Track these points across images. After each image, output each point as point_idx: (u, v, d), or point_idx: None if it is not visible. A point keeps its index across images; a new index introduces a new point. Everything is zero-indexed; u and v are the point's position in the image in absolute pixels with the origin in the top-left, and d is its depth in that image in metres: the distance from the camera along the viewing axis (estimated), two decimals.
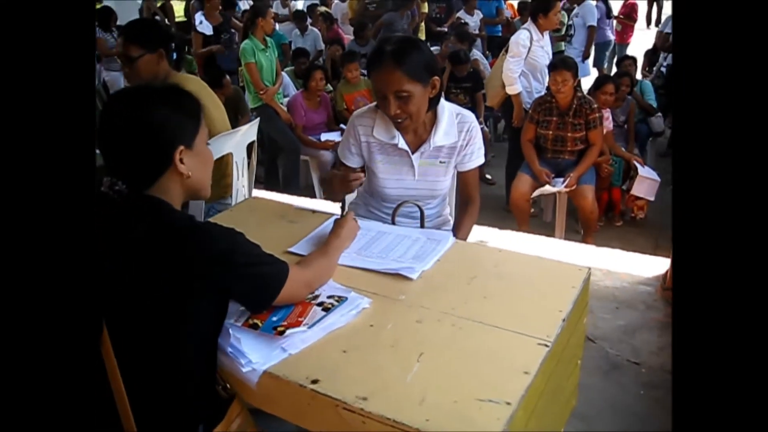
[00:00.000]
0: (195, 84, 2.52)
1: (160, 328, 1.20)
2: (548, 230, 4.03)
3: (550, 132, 3.78)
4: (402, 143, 1.91)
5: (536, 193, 3.90)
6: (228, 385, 1.29)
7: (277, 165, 5.09)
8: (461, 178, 2.04)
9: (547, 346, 1.22)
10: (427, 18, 8.23)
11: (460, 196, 2.10)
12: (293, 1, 9.66)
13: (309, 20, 8.14)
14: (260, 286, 1.28)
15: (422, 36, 7.91)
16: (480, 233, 3.49)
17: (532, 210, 4.26)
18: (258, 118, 2.82)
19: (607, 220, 4.30)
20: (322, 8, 8.81)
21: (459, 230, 2.00)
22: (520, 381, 1.12)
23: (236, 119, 5.09)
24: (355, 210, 2.21)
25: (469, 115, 1.95)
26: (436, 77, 1.78)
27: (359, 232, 1.68)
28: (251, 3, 8.79)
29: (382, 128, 1.90)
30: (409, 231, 1.74)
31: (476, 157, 1.97)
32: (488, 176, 5.20)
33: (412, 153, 1.93)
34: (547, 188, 3.82)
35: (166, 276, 1.17)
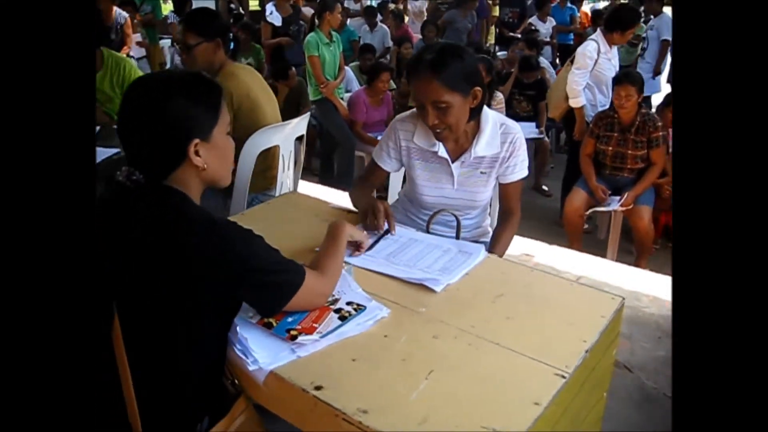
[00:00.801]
0: (247, 74, 2.54)
1: (166, 321, 1.20)
2: (601, 249, 3.89)
3: (610, 148, 3.65)
4: (442, 151, 1.87)
5: (591, 210, 3.77)
6: (236, 381, 1.29)
7: (333, 159, 5.12)
8: (502, 190, 1.98)
9: (564, 377, 1.16)
10: (498, 22, 8.10)
11: (500, 208, 2.04)
12: None
13: (380, 17, 8.16)
14: (271, 293, 1.26)
15: (491, 40, 7.80)
16: (525, 246, 3.41)
17: (586, 226, 4.12)
18: (309, 114, 2.81)
19: (664, 244, 4.12)
20: (393, 6, 8.80)
21: (496, 244, 1.93)
22: (529, 412, 1.07)
23: (298, 111, 5.16)
24: (394, 214, 2.19)
25: (514, 126, 1.88)
26: (478, 88, 1.72)
27: (391, 237, 1.65)
28: None
29: (423, 135, 1.87)
30: (441, 241, 1.70)
31: (519, 169, 1.91)
32: (545, 187, 5.08)
33: (452, 162, 1.88)
34: (602, 206, 3.69)
35: (175, 270, 1.17)
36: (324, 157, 5.19)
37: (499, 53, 6.93)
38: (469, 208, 1.96)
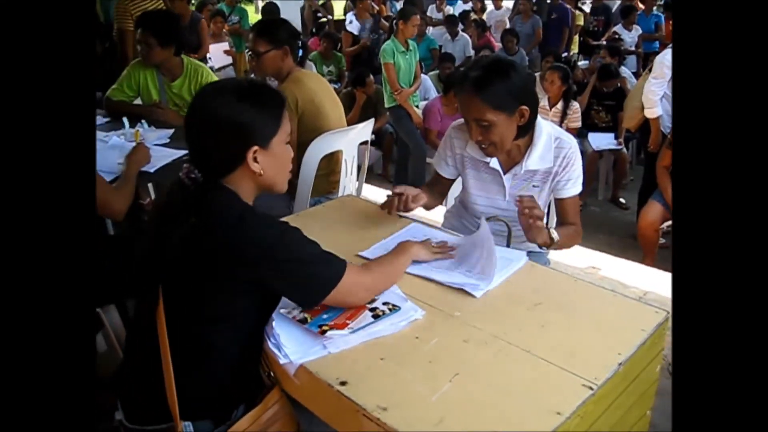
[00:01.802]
0: (313, 81, 2.62)
1: (205, 310, 1.27)
2: None
3: None
4: (494, 163, 1.85)
5: (666, 224, 3.61)
6: (272, 373, 1.34)
7: (408, 166, 5.16)
8: (558, 205, 1.93)
9: (591, 389, 1.14)
10: (583, 30, 7.91)
11: (557, 224, 1.98)
12: (448, 6, 9.71)
13: (461, 26, 8.16)
14: (306, 284, 1.29)
15: (575, 49, 7.62)
16: (592, 258, 3.33)
17: (663, 241, 3.95)
18: (373, 120, 2.87)
19: None
20: (476, 15, 8.78)
21: (561, 233, 1.80)
22: (549, 421, 1.06)
23: (376, 117, 5.25)
24: (448, 220, 2.19)
25: (569, 141, 1.83)
26: (525, 107, 1.68)
27: (432, 242, 1.66)
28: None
29: (475, 145, 1.86)
30: (481, 241, 1.65)
31: (572, 185, 1.84)
32: (622, 200, 4.90)
33: (504, 173, 1.87)
34: None
35: (211, 259, 1.23)
36: (399, 164, 5.24)
37: (581, 62, 6.75)
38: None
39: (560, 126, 4.53)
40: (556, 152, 1.81)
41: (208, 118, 1.28)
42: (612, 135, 4.95)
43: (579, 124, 4.64)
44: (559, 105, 4.60)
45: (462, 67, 7.19)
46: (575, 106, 4.62)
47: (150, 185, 3.40)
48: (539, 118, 1.80)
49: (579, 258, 3.28)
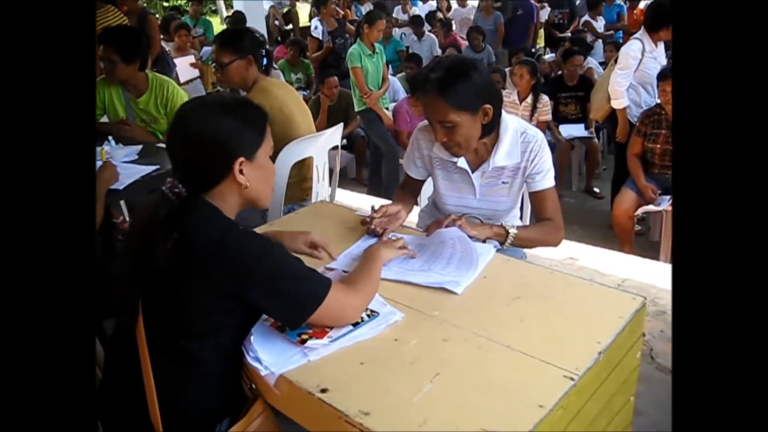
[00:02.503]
0: (280, 89, 2.61)
1: (186, 323, 1.25)
2: (654, 251, 3.76)
3: (659, 146, 3.53)
4: (462, 162, 1.85)
5: (640, 210, 3.65)
6: (253, 386, 1.32)
7: (381, 169, 5.16)
8: (533, 200, 1.91)
9: (572, 379, 1.14)
10: (548, 24, 7.99)
11: (536, 219, 1.95)
12: (414, 7, 9.74)
13: (428, 27, 8.19)
14: (290, 303, 1.26)
15: (541, 42, 7.69)
16: (570, 249, 3.34)
17: (639, 228, 4.00)
18: (342, 125, 2.86)
19: None
20: (442, 15, 8.82)
21: (522, 229, 1.81)
22: (533, 414, 1.06)
23: (347, 122, 5.25)
24: (422, 219, 2.19)
25: (535, 134, 1.82)
26: (488, 105, 1.67)
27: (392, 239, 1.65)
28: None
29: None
30: (447, 237, 1.64)
31: (543, 178, 1.83)
32: (596, 189, 4.96)
33: (473, 172, 1.86)
34: (652, 206, 3.56)
35: (193, 274, 1.21)
36: (373, 167, 5.24)
37: (547, 56, 6.81)
38: (493, 218, 1.92)
39: (530, 120, 4.57)
40: (523, 147, 1.81)
41: (194, 130, 1.27)
42: (583, 125, 5.01)
43: (549, 117, 4.69)
44: (529, 99, 4.64)
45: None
46: (545, 99, 4.66)
47: (122, 203, 3.35)
48: (504, 113, 1.80)
49: (556, 250, 3.29)
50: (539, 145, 1.81)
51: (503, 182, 1.86)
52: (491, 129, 1.75)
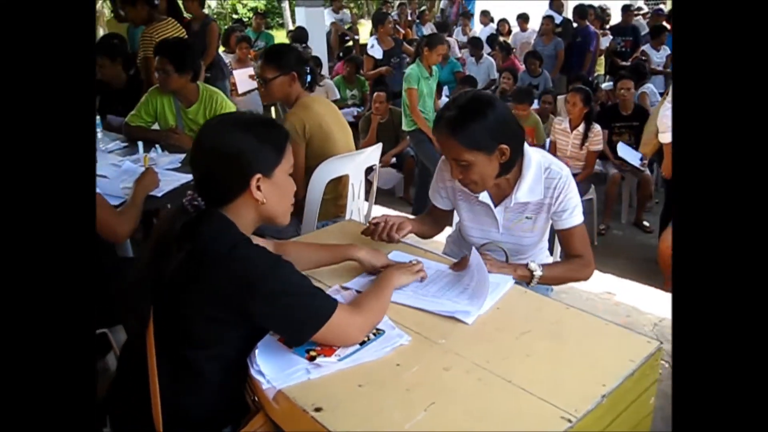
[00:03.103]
0: (321, 106, 2.65)
1: (193, 333, 1.28)
2: None
3: None
4: (484, 196, 1.82)
5: None
6: (256, 398, 1.34)
7: (428, 189, 5.14)
8: (561, 237, 1.85)
9: (569, 421, 1.11)
10: (610, 51, 7.85)
11: (564, 255, 1.90)
12: (473, 29, 9.76)
13: (489, 49, 8.18)
14: (295, 320, 1.27)
15: (600, 70, 7.56)
16: (608, 283, 3.27)
17: None
18: (380, 144, 2.88)
19: None
20: (502, 38, 8.80)
21: (549, 267, 1.78)
22: None
23: (397, 140, 5.28)
24: (449, 245, 2.18)
25: (560, 171, 1.77)
26: (505, 145, 1.63)
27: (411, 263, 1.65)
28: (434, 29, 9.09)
29: None
30: (472, 268, 1.64)
31: (569, 216, 1.77)
32: (646, 223, 4.81)
33: (495, 206, 1.83)
34: None
35: (201, 285, 1.25)
36: (419, 188, 5.23)
37: (605, 84, 6.69)
38: (518, 253, 1.89)
39: (581, 149, 4.49)
40: (547, 183, 1.76)
41: (213, 145, 1.32)
42: (640, 154, 4.87)
43: (600, 147, 4.58)
44: (581, 127, 4.55)
45: (487, 90, 7.22)
46: (597, 128, 4.57)
47: (169, 206, 3.47)
48: (527, 147, 1.76)
49: (595, 283, 3.22)
50: (564, 182, 1.76)
51: (527, 217, 1.83)
52: (510, 167, 1.71)
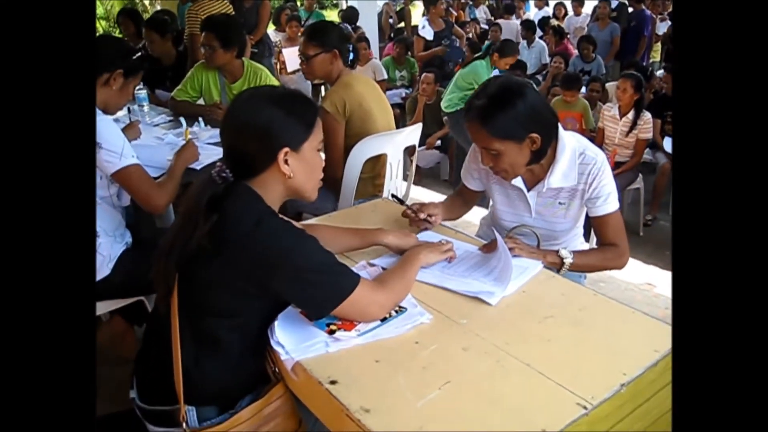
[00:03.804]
0: (362, 84, 2.64)
1: (216, 302, 1.31)
2: None
3: None
4: (517, 181, 1.79)
5: None
6: (276, 369, 1.36)
7: None
8: (595, 224, 1.81)
9: (585, 408, 1.09)
10: (667, 37, 7.58)
11: (598, 243, 1.85)
12: (526, 12, 9.56)
13: (540, 32, 8.01)
14: (317, 294, 1.29)
15: (656, 57, 7.30)
16: (649, 274, 3.19)
17: None
18: (420, 124, 2.86)
19: None
20: (556, 21, 8.60)
21: (580, 255, 1.75)
22: None
23: (442, 123, 5.25)
24: (482, 227, 2.16)
25: (594, 156, 1.72)
26: (535, 134, 1.60)
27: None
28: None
29: None
30: (499, 251, 1.61)
31: (604, 203, 1.73)
32: None
33: (528, 191, 1.81)
34: None
35: (224, 256, 1.27)
36: (457, 169, 5.19)
37: (659, 71, 6.45)
38: (551, 239, 1.86)
39: (627, 136, 4.36)
40: (581, 168, 1.72)
41: (243, 118, 1.34)
42: None
43: (650, 135, 4.43)
44: (630, 114, 4.41)
45: (538, 75, 7.08)
46: (647, 116, 4.42)
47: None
48: (562, 131, 1.72)
49: (635, 274, 3.16)
50: (598, 168, 1.71)
51: (560, 203, 1.80)
52: (542, 154, 1.68)
